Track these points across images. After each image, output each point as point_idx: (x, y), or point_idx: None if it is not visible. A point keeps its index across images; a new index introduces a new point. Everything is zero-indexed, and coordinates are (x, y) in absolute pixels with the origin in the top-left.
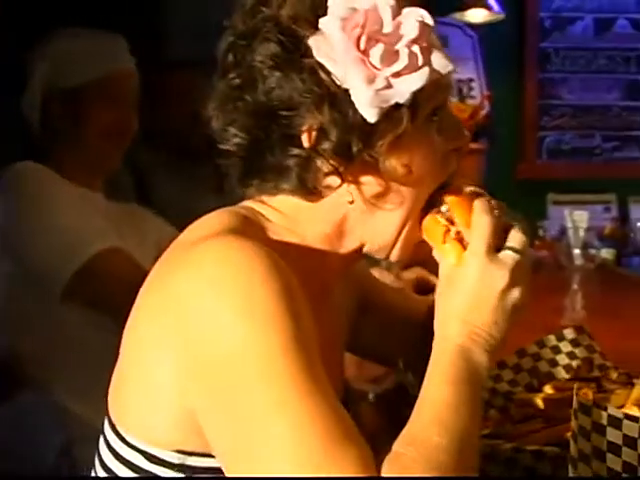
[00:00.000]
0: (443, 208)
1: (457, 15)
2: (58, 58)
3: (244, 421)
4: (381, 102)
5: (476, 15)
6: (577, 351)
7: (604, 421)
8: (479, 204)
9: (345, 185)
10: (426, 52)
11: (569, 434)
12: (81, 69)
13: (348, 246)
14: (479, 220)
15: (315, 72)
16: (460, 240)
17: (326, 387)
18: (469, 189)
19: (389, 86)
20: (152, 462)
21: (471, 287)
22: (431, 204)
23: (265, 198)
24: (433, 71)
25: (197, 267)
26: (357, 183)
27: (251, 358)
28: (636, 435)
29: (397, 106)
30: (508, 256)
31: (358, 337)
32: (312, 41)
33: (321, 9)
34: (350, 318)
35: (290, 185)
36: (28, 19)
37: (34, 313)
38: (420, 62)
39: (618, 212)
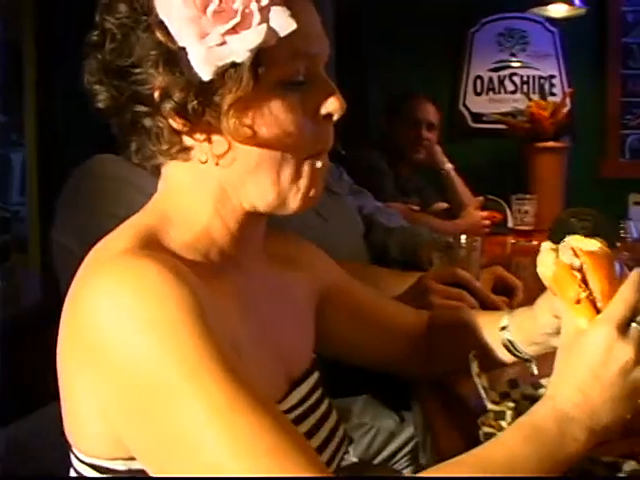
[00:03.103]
0: (575, 261)
1: (538, 10)
2: None
3: (175, 443)
4: (215, 60)
5: (557, 10)
6: None
7: None
8: (636, 277)
9: (198, 145)
10: (265, 11)
11: None
12: None
13: (236, 210)
14: (626, 292)
15: (154, 31)
16: (593, 304)
17: (254, 388)
18: (599, 247)
19: (224, 44)
20: (103, 473)
21: (595, 357)
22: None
23: (160, 188)
24: (271, 30)
25: (97, 295)
26: (209, 143)
27: (168, 376)
28: None
29: (237, 66)
30: (636, 329)
31: (325, 331)
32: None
33: None
34: (311, 308)
35: (154, 146)
36: None
37: None
38: (256, 20)
39: None
